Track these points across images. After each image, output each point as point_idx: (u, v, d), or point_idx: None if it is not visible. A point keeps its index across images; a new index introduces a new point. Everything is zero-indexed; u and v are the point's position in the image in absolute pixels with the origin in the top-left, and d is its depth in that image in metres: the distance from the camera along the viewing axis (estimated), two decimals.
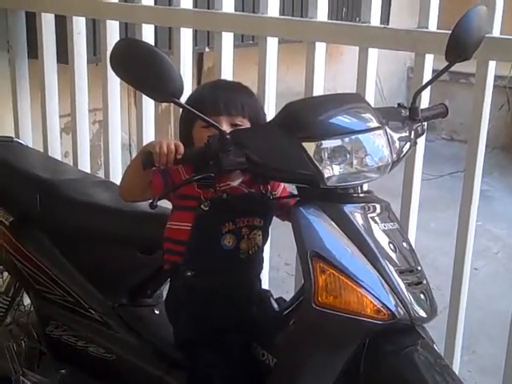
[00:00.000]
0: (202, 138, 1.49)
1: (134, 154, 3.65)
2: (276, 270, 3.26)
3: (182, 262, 1.59)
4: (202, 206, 1.55)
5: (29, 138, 2.77)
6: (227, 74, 2.23)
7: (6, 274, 2.17)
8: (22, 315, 2.18)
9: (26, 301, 2.17)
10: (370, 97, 1.99)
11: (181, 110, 1.62)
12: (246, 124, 1.59)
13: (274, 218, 1.70)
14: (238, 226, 1.57)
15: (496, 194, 4.74)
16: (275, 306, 1.67)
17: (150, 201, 1.47)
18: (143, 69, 1.32)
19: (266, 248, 2.19)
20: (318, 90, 2.07)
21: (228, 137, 1.39)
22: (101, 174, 2.82)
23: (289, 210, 1.64)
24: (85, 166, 2.65)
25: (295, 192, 1.55)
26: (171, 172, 1.57)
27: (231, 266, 1.59)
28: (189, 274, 1.58)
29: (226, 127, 1.53)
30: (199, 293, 1.59)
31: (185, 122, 1.64)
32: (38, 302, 1.95)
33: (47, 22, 2.61)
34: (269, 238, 2.16)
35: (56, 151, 2.72)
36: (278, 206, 1.67)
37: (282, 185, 1.69)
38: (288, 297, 1.62)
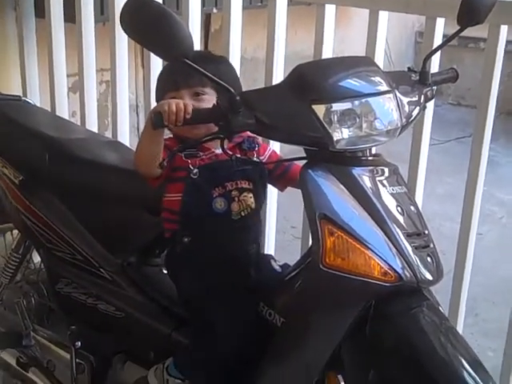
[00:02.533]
0: None
1: (141, 115, 3.65)
2: (282, 233, 3.28)
3: (178, 229, 1.64)
4: (191, 175, 1.60)
5: (36, 97, 2.77)
6: (235, 36, 2.21)
7: (16, 231, 2.19)
8: (32, 273, 2.22)
9: (36, 258, 2.20)
10: (380, 60, 1.98)
11: None
12: (209, 92, 1.61)
13: None
14: (227, 190, 1.62)
15: (502, 160, 4.73)
16: (277, 268, 1.70)
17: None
18: (153, 28, 1.31)
19: (273, 211, 2.23)
20: (327, 54, 2.06)
21: (238, 98, 1.40)
22: (108, 135, 2.82)
23: (282, 177, 1.72)
24: (92, 125, 2.65)
25: (288, 156, 1.59)
26: (168, 144, 1.59)
27: (225, 228, 1.63)
28: (185, 239, 1.63)
29: (188, 100, 1.57)
30: (197, 256, 1.64)
31: (158, 91, 1.69)
32: (48, 259, 1.97)
33: None
34: (274, 201, 2.20)
35: (63, 111, 2.72)
36: (268, 170, 1.70)
37: (270, 150, 1.73)
38: (294, 259, 1.64)
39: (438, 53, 1.78)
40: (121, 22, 1.37)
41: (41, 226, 1.94)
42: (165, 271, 1.84)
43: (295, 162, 1.68)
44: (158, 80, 1.73)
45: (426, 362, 1.30)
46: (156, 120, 1.44)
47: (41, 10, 2.68)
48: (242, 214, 1.63)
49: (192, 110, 1.44)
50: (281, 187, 1.79)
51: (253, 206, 1.65)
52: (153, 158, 1.54)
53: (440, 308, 1.45)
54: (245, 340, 1.59)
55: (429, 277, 1.40)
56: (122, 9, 1.36)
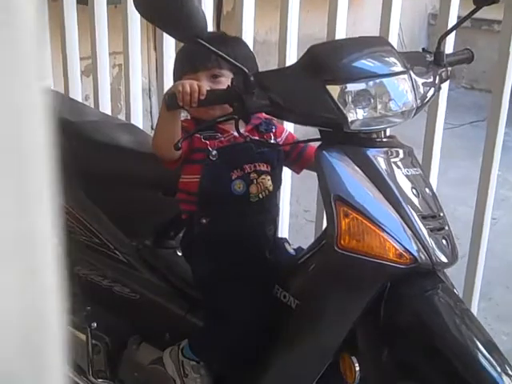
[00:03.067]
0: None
1: (154, 99, 3.65)
2: (295, 217, 3.28)
3: (196, 211, 1.64)
4: (209, 157, 1.59)
5: (49, 80, 2.77)
6: (248, 17, 2.20)
7: None
8: None
9: None
10: (394, 41, 1.96)
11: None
12: (226, 74, 1.59)
13: None
14: (245, 172, 1.61)
15: None
16: (291, 251, 1.70)
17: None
18: (167, 8, 1.30)
19: (286, 195, 2.22)
20: (341, 35, 2.05)
21: (252, 78, 1.39)
22: (121, 118, 2.82)
23: (299, 159, 1.71)
24: (105, 109, 2.65)
25: (302, 139, 1.58)
26: (184, 124, 1.58)
27: (243, 210, 1.63)
28: (204, 221, 1.63)
29: (205, 82, 1.57)
30: (214, 237, 1.64)
31: (175, 74, 1.67)
32: (64, 242, 1.98)
33: None
34: (288, 185, 2.20)
35: (77, 94, 2.72)
36: (285, 152, 1.70)
37: (287, 132, 1.72)
38: (307, 242, 1.64)
39: (453, 34, 1.77)
40: (134, 2, 1.36)
41: None
42: (179, 253, 1.85)
43: (310, 143, 1.68)
44: (175, 62, 1.72)
45: (440, 343, 1.30)
46: (170, 101, 1.44)
47: None
48: (260, 196, 1.63)
49: (206, 90, 1.43)
50: (297, 169, 1.78)
51: (270, 188, 1.65)
52: (171, 141, 1.50)
53: (455, 290, 1.44)
54: (259, 322, 1.59)
55: (444, 259, 1.39)
56: None
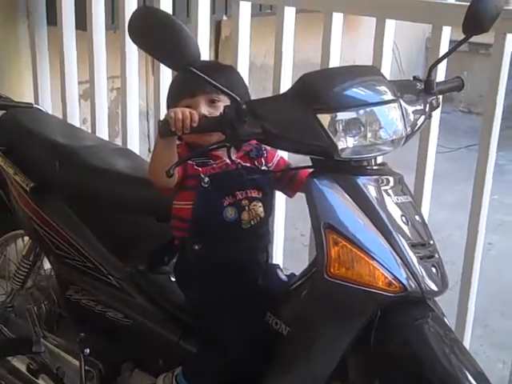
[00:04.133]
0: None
1: (151, 122, 3.66)
2: (291, 241, 3.27)
3: (188, 237, 1.65)
4: (202, 184, 1.61)
5: (48, 105, 2.80)
6: (244, 43, 2.23)
7: (26, 238, 2.21)
8: (42, 279, 2.23)
9: (47, 265, 2.22)
10: (387, 68, 1.98)
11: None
12: (223, 99, 1.59)
13: None
14: (237, 199, 1.63)
15: None
16: (283, 277, 1.71)
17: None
18: (160, 37, 1.33)
19: (280, 220, 2.23)
20: (335, 61, 2.07)
21: (244, 107, 1.40)
22: (118, 141, 2.84)
23: (291, 183, 1.72)
24: (103, 132, 2.67)
25: (294, 164, 1.61)
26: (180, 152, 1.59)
27: (235, 237, 1.64)
28: (196, 247, 1.64)
29: (204, 106, 1.60)
30: (207, 263, 1.65)
31: (172, 99, 1.67)
32: (58, 266, 1.99)
33: None
34: (282, 210, 2.21)
35: (75, 118, 2.74)
36: (275, 178, 1.71)
37: (278, 156, 1.73)
38: (303, 267, 1.64)
39: (445, 61, 1.78)
40: (129, 31, 1.39)
41: (51, 233, 1.96)
42: (173, 279, 1.85)
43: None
44: (171, 88, 1.73)
45: (429, 373, 1.30)
46: (163, 128, 1.46)
47: (53, 17, 2.71)
48: (252, 223, 1.64)
49: (199, 118, 1.45)
50: (290, 193, 1.79)
51: (262, 215, 1.66)
52: (162, 167, 1.51)
53: (445, 319, 1.44)
54: (252, 349, 1.59)
55: (434, 287, 1.40)
56: (130, 18, 1.38)
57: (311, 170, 1.53)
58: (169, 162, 1.51)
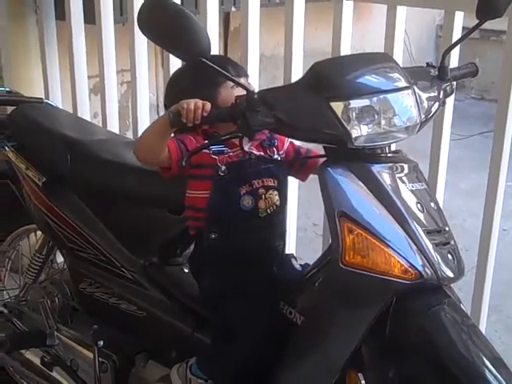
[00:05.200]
0: (233, 96, 1.50)
1: (162, 114, 3.66)
2: (304, 231, 3.28)
3: (204, 226, 1.64)
4: (219, 172, 1.60)
5: (58, 99, 2.80)
6: (253, 34, 2.21)
7: (39, 232, 2.21)
8: (55, 273, 2.24)
9: (60, 259, 2.22)
10: (398, 56, 1.97)
11: None
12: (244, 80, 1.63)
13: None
14: (254, 187, 1.62)
15: None
16: (297, 267, 1.70)
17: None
18: (170, 28, 1.33)
19: (293, 209, 2.23)
20: (345, 50, 2.06)
21: (256, 96, 1.40)
22: (129, 135, 2.84)
23: (302, 167, 1.72)
24: (113, 126, 2.67)
25: (303, 146, 1.62)
26: (185, 141, 1.60)
27: (252, 225, 1.64)
28: (213, 236, 1.64)
29: (229, 90, 1.60)
30: (223, 252, 1.65)
31: (205, 82, 1.62)
32: (71, 259, 2.00)
33: None
34: (295, 199, 2.20)
35: (85, 112, 2.74)
36: (287, 164, 1.70)
37: (287, 141, 1.72)
38: (316, 256, 1.64)
39: (458, 47, 1.76)
40: (138, 23, 1.38)
41: (63, 227, 1.96)
42: (186, 270, 1.85)
43: (312, 148, 1.70)
44: (182, 81, 1.70)
45: (446, 359, 1.30)
46: (174, 118, 1.45)
47: (61, 12, 2.71)
48: (268, 211, 1.64)
49: (210, 108, 1.44)
50: (302, 177, 1.78)
51: (278, 203, 1.66)
52: (158, 151, 1.56)
53: (461, 305, 1.44)
54: (266, 339, 1.59)
55: (450, 274, 1.39)
56: (140, 10, 1.38)
57: (324, 159, 1.52)
58: (162, 147, 1.55)
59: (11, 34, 2.83)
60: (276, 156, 1.68)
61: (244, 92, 1.42)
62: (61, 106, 2.65)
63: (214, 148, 1.61)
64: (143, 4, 1.39)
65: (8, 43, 2.82)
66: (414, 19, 4.91)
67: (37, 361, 2.09)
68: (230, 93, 1.61)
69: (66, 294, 2.12)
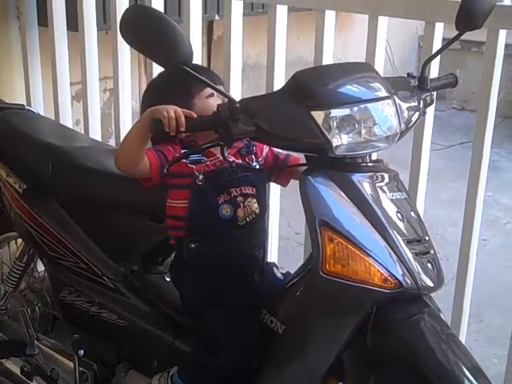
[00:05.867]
0: (208, 106, 1.56)
1: None
2: (286, 240, 3.28)
3: (184, 236, 1.64)
4: (196, 181, 1.60)
5: (40, 106, 2.78)
6: (236, 42, 2.22)
7: (20, 240, 2.20)
8: (36, 281, 2.22)
9: (40, 267, 2.21)
10: (380, 66, 1.98)
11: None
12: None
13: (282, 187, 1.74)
14: (232, 196, 1.63)
15: (507, 165, 4.72)
16: (279, 275, 1.71)
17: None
18: (152, 36, 1.33)
19: (275, 217, 2.23)
20: (328, 59, 2.07)
21: (237, 105, 1.40)
22: (111, 142, 2.83)
23: (282, 173, 1.73)
24: (96, 133, 2.66)
25: (282, 151, 1.64)
26: (164, 151, 1.61)
27: (232, 234, 1.64)
28: (192, 245, 1.64)
29: (220, 100, 1.59)
30: (203, 261, 1.65)
31: (180, 92, 1.63)
32: (52, 268, 1.98)
33: None
34: (276, 208, 2.20)
35: (67, 119, 2.73)
36: (267, 171, 1.71)
37: (266, 148, 1.72)
38: (298, 265, 1.64)
39: (438, 58, 1.78)
40: (120, 30, 1.38)
41: (44, 235, 1.95)
42: (168, 279, 1.85)
43: (290, 153, 1.71)
44: (162, 89, 1.70)
45: (426, 369, 1.30)
46: (155, 127, 1.45)
47: (44, 18, 2.70)
48: (248, 219, 1.64)
49: (191, 118, 1.44)
50: (283, 182, 1.78)
51: (257, 211, 1.66)
52: (137, 159, 1.56)
53: (441, 315, 1.44)
54: (248, 348, 1.59)
55: (429, 283, 1.40)
56: (122, 17, 1.38)
57: (305, 167, 1.53)
58: (141, 154, 1.56)
59: None
60: (255, 163, 1.68)
61: (224, 100, 1.43)
62: (43, 113, 2.64)
63: (192, 157, 1.61)
64: (126, 11, 1.39)
65: None
66: (397, 29, 4.95)
67: (17, 370, 2.06)
68: (205, 103, 1.63)
69: (47, 303, 2.10)
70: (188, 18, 2.28)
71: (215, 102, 1.61)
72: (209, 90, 1.64)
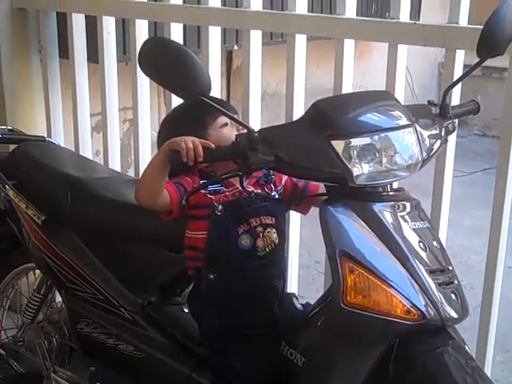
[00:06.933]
0: (223, 136, 1.57)
1: None
2: (306, 269, 3.25)
3: (203, 267, 1.63)
4: (215, 212, 1.59)
5: (61, 137, 2.80)
6: (255, 72, 2.22)
7: (38, 271, 2.19)
8: (53, 312, 2.22)
9: (58, 298, 2.20)
10: (400, 94, 1.97)
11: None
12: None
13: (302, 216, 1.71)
14: (252, 226, 1.61)
15: None
16: (298, 306, 1.68)
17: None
18: (170, 67, 1.33)
19: (294, 247, 2.21)
20: (347, 88, 2.06)
21: (256, 135, 1.39)
22: (131, 172, 2.83)
23: (302, 201, 1.71)
24: (115, 164, 2.66)
25: (301, 181, 1.64)
26: (183, 182, 1.60)
27: (251, 265, 1.62)
28: (211, 276, 1.62)
29: (235, 129, 1.62)
30: (222, 292, 1.63)
31: (195, 123, 1.64)
32: (69, 299, 1.97)
33: (78, 22, 2.62)
34: (296, 237, 2.18)
35: (87, 150, 2.74)
36: (286, 199, 1.69)
37: (285, 177, 1.71)
38: (318, 295, 1.62)
39: (459, 85, 1.76)
40: (139, 62, 1.39)
41: (62, 266, 1.94)
42: (186, 310, 1.83)
43: (310, 181, 1.68)
44: (179, 122, 1.71)
45: None
46: (173, 157, 1.44)
47: (64, 50, 2.73)
48: (267, 250, 1.63)
49: (210, 148, 1.44)
50: (304, 210, 1.76)
51: (276, 241, 1.65)
52: (157, 193, 1.55)
53: (466, 347, 1.41)
54: (267, 381, 1.57)
55: (453, 314, 1.36)
56: (141, 48, 1.39)
57: (325, 197, 1.51)
58: (161, 186, 1.55)
59: (15, 72, 2.85)
60: (274, 193, 1.67)
61: (240, 130, 1.42)
62: (63, 144, 2.66)
63: (211, 188, 1.60)
64: (144, 43, 1.39)
65: (12, 81, 2.84)
66: (417, 56, 4.94)
67: None
68: (219, 132, 1.63)
69: (64, 335, 2.09)
70: (207, 49, 2.29)
71: (230, 131, 1.62)
72: (223, 120, 1.63)
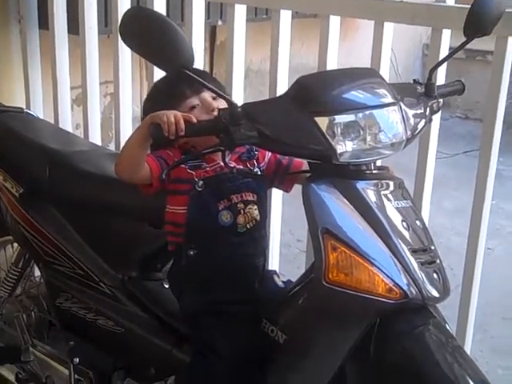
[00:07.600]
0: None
1: None
2: (288, 247, 3.25)
3: (183, 242, 1.61)
4: (196, 187, 1.57)
5: (40, 110, 2.76)
6: (239, 47, 2.20)
7: (16, 245, 2.17)
8: (32, 286, 2.20)
9: (37, 272, 2.18)
10: (385, 72, 1.95)
11: None
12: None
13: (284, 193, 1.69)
14: (233, 202, 1.60)
15: (511, 174, 4.68)
16: (280, 283, 1.67)
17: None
18: (153, 38, 1.29)
19: (276, 224, 2.20)
20: (332, 65, 2.04)
21: (239, 110, 1.37)
22: (111, 147, 2.80)
23: (285, 178, 1.69)
24: (96, 138, 2.63)
25: (285, 158, 1.61)
26: (164, 155, 1.57)
27: (231, 241, 1.60)
28: (191, 253, 1.61)
29: (210, 99, 1.58)
30: (202, 269, 1.62)
31: (175, 98, 1.60)
32: (48, 273, 1.95)
33: None
34: (278, 215, 2.17)
35: (67, 123, 2.71)
36: (269, 177, 1.67)
37: (269, 154, 1.69)
38: (300, 273, 1.61)
39: (444, 65, 1.76)
40: (120, 32, 1.35)
41: (40, 240, 1.92)
42: (166, 286, 1.81)
43: (293, 158, 1.66)
44: (158, 95, 1.69)
45: (431, 381, 1.27)
46: (155, 132, 1.42)
47: (45, 21, 2.68)
48: (248, 226, 1.61)
49: (191, 123, 1.41)
50: (287, 188, 1.74)
51: (258, 218, 1.63)
52: (137, 166, 1.52)
53: (447, 325, 1.41)
54: (247, 358, 1.56)
55: (435, 294, 1.36)
56: (122, 18, 1.35)
57: (308, 174, 1.50)
58: (142, 160, 1.51)
59: None
60: (256, 169, 1.65)
61: (225, 105, 1.40)
62: (42, 117, 2.62)
63: (191, 163, 1.58)
64: (126, 12, 1.36)
65: None
66: (401, 38, 4.93)
67: (11, 377, 2.05)
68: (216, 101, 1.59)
69: (43, 309, 2.08)
70: (190, 23, 2.26)
71: (199, 114, 1.56)
72: (192, 102, 1.59)
